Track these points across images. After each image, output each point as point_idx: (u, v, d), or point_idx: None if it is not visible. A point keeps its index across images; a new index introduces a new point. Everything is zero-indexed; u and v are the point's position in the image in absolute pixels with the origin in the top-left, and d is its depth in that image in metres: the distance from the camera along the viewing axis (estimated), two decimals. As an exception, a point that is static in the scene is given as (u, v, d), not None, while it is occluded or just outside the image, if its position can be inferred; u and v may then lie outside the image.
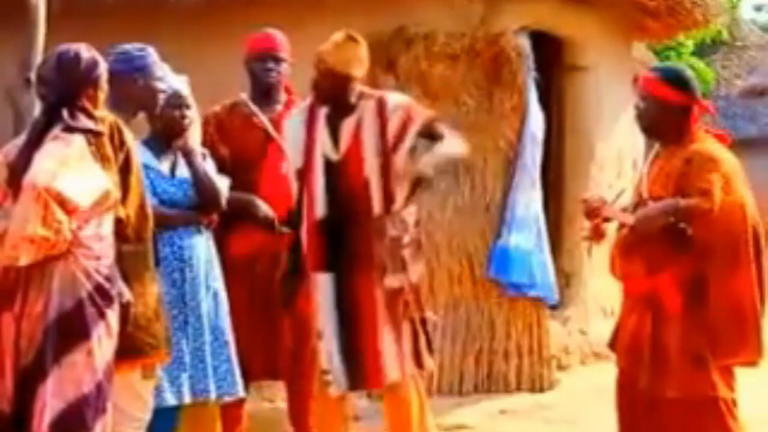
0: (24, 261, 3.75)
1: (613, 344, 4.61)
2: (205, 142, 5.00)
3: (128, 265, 4.01)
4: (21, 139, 4.03)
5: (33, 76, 4.69)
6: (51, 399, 3.76)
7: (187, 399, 4.63)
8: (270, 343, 4.98)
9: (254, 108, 5.16)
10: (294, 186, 4.71)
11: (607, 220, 4.54)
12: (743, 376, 4.36)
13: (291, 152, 4.71)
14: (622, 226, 4.42)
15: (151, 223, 4.13)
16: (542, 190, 7.48)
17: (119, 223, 3.97)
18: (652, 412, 4.27)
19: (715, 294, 4.18)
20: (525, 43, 7.34)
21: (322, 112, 4.63)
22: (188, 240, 4.69)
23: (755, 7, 25.56)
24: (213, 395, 4.67)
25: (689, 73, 4.54)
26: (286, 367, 5.02)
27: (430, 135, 4.61)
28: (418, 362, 4.57)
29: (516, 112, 7.28)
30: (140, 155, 4.44)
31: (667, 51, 15.92)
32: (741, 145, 5.53)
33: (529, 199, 7.23)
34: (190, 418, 4.70)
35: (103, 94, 4.02)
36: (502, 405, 6.91)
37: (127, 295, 3.96)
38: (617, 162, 8.73)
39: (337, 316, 4.54)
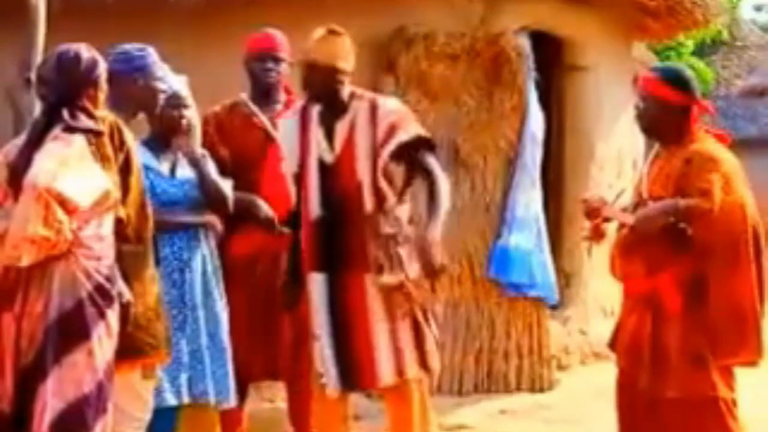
0: (25, 261, 3.75)
1: (613, 344, 4.61)
2: (205, 143, 5.00)
3: (128, 265, 4.01)
4: (21, 139, 4.03)
5: (33, 76, 4.69)
6: (51, 399, 3.76)
7: (186, 399, 4.62)
8: (270, 343, 4.98)
9: (254, 108, 5.16)
10: (292, 187, 4.71)
11: (607, 220, 4.54)
12: (743, 376, 4.36)
13: (287, 155, 4.71)
14: (622, 226, 4.42)
15: (151, 224, 4.14)
16: (542, 190, 7.48)
17: (119, 223, 3.97)
18: (652, 412, 4.27)
19: (715, 294, 4.18)
20: (525, 43, 7.34)
21: (315, 112, 4.63)
22: (189, 241, 4.69)
23: (755, 7, 25.57)
24: (212, 398, 4.67)
25: (689, 73, 4.54)
26: (286, 367, 5.02)
27: (415, 159, 4.58)
28: (424, 364, 4.56)
29: (516, 112, 7.29)
30: (140, 155, 4.44)
31: (667, 51, 15.92)
32: (741, 146, 5.52)
33: (529, 199, 7.24)
34: (189, 420, 4.70)
35: (103, 94, 4.02)
36: (502, 405, 6.92)
37: (127, 295, 3.96)
38: (617, 162, 8.73)
39: (330, 316, 4.54)
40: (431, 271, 4.42)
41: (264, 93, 5.19)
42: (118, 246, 3.97)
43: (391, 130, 4.53)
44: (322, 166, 4.59)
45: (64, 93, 3.92)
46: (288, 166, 4.71)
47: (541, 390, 7.32)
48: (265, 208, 4.99)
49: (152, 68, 4.43)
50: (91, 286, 3.84)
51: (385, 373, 4.51)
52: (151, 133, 4.76)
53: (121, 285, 3.94)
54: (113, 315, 3.90)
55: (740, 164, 4.33)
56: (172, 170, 4.74)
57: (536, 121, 7.33)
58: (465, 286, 7.19)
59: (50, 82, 3.96)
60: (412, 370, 4.52)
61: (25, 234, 3.70)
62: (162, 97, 4.49)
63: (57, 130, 3.86)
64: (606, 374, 4.64)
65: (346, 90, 4.60)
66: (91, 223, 3.86)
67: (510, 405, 6.93)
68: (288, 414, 5.25)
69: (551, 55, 8.09)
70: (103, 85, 4.02)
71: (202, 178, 4.72)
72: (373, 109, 4.58)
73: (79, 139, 3.86)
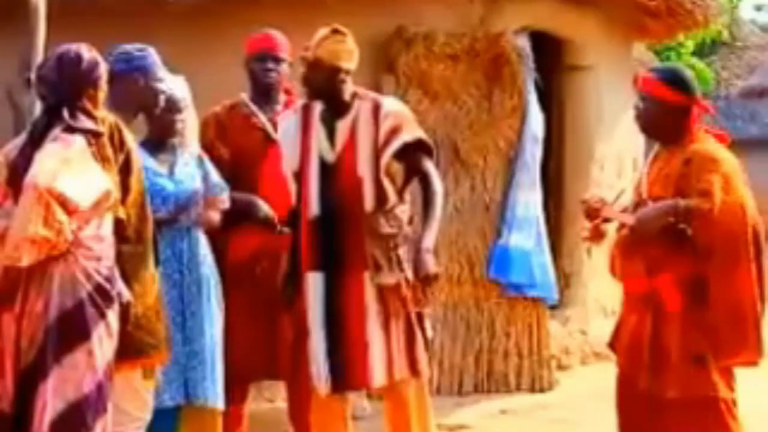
0: (25, 261, 3.75)
1: (613, 344, 4.61)
2: (205, 143, 5.01)
3: (128, 266, 4.01)
4: (21, 139, 4.03)
5: (33, 76, 4.69)
6: (51, 398, 3.76)
7: (183, 400, 4.62)
8: (270, 343, 4.98)
9: (254, 108, 5.16)
10: (293, 186, 4.71)
11: (607, 220, 4.54)
12: (743, 375, 4.36)
13: (287, 153, 4.71)
14: (622, 226, 4.42)
15: (151, 224, 4.14)
16: (542, 190, 7.48)
17: (119, 224, 3.98)
18: (652, 413, 4.27)
19: (716, 294, 4.18)
20: (525, 44, 7.34)
21: (316, 111, 4.64)
22: (189, 242, 4.69)
23: (755, 7, 25.56)
24: (210, 399, 4.67)
25: (688, 73, 4.53)
26: (287, 367, 5.02)
27: (414, 161, 4.60)
28: (413, 368, 4.55)
29: (516, 112, 7.29)
30: (139, 156, 4.45)
31: (667, 51, 15.93)
32: (741, 146, 5.53)
33: (529, 199, 7.24)
34: (191, 421, 4.70)
35: (103, 94, 4.03)
36: (502, 405, 6.92)
37: (127, 296, 3.96)
38: (617, 162, 8.73)
39: (326, 315, 4.55)
40: (425, 279, 4.45)
41: (264, 93, 5.19)
42: (118, 246, 3.97)
43: (394, 131, 4.54)
44: (323, 165, 4.59)
45: (65, 93, 3.92)
46: (288, 165, 4.71)
47: (541, 390, 7.32)
48: (265, 208, 4.99)
49: (153, 68, 4.44)
50: (91, 286, 3.84)
51: (377, 375, 4.51)
52: (148, 133, 4.76)
53: (121, 285, 3.94)
54: (113, 315, 3.90)
55: (740, 164, 4.33)
56: (171, 170, 4.74)
57: (536, 121, 7.33)
58: (465, 286, 7.19)
59: (51, 82, 3.95)
60: (402, 373, 4.52)
61: (26, 234, 3.70)
62: (162, 97, 4.49)
63: (57, 131, 3.87)
64: (606, 374, 4.64)
65: (348, 89, 4.61)
66: (91, 223, 3.87)
67: (510, 405, 6.93)
68: (288, 414, 5.25)
69: (551, 56, 8.09)
70: (104, 85, 4.02)
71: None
72: (376, 109, 4.59)
73: (79, 140, 3.86)
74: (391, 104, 4.70)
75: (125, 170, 4.01)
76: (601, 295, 8.14)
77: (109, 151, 3.94)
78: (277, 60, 5.16)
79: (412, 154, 4.60)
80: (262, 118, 5.13)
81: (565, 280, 8.09)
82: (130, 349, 4.00)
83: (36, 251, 3.74)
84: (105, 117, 3.99)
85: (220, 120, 5.16)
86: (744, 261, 4.18)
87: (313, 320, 4.57)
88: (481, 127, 7.25)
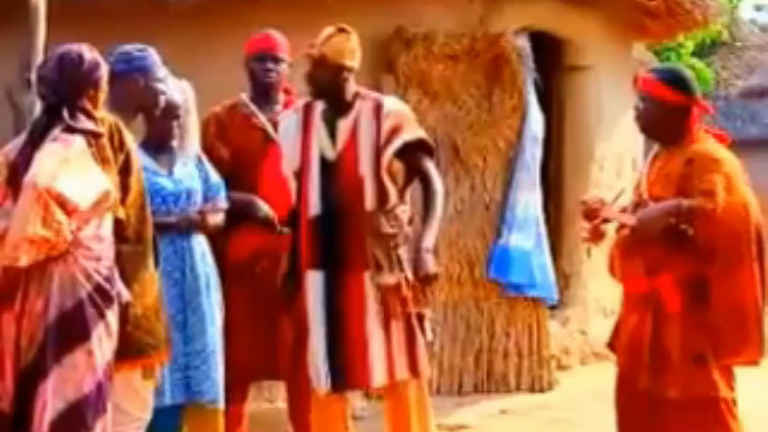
0: (24, 261, 3.75)
1: (612, 344, 4.61)
2: (205, 143, 5.01)
3: (128, 266, 4.01)
4: (21, 139, 4.03)
5: (33, 76, 4.69)
6: (51, 398, 3.76)
7: (185, 400, 4.62)
8: (270, 342, 4.98)
9: (254, 108, 5.16)
10: (293, 185, 4.71)
11: (606, 221, 4.54)
12: (742, 375, 4.36)
13: (287, 152, 4.71)
14: (621, 226, 4.42)
15: (150, 224, 4.14)
16: (542, 190, 7.48)
17: (119, 224, 3.98)
18: (652, 413, 4.27)
19: (718, 293, 4.18)
20: (525, 44, 7.35)
21: (318, 110, 4.64)
22: (189, 241, 4.70)
23: (755, 7, 25.54)
24: (212, 398, 4.67)
25: (688, 73, 4.54)
26: (287, 367, 5.02)
27: (414, 161, 4.61)
28: (413, 368, 4.54)
29: (516, 112, 7.29)
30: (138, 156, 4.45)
31: (666, 51, 15.93)
32: (741, 146, 5.52)
33: (528, 199, 7.25)
34: (193, 421, 4.70)
35: (103, 95, 4.03)
36: (502, 405, 6.92)
37: (127, 296, 3.96)
38: (617, 162, 8.73)
39: (326, 315, 4.55)
40: (424, 279, 4.45)
41: (263, 93, 5.19)
42: (118, 246, 3.97)
43: (395, 130, 4.55)
44: (324, 163, 4.60)
45: (65, 93, 3.92)
46: (288, 164, 4.71)
47: (541, 390, 7.32)
48: (265, 208, 4.99)
49: (153, 69, 4.44)
50: (91, 286, 3.84)
51: (377, 374, 4.51)
52: (147, 133, 4.76)
53: (120, 285, 3.94)
54: (113, 315, 3.90)
55: (740, 165, 4.33)
56: (170, 170, 4.75)
57: (536, 121, 7.33)
58: (465, 286, 7.19)
59: (51, 82, 3.95)
60: (402, 373, 4.52)
61: (25, 234, 3.70)
62: (163, 98, 4.49)
63: (57, 131, 3.86)
64: (606, 374, 4.64)
65: (351, 89, 4.62)
66: (91, 223, 3.86)
67: (510, 405, 6.93)
68: (288, 414, 5.25)
69: (551, 56, 8.09)
70: (104, 86, 4.02)
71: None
72: (377, 108, 4.60)
73: (79, 140, 3.86)
74: (392, 104, 4.71)
75: (125, 170, 4.01)
76: (600, 296, 8.14)
77: (108, 151, 3.94)
78: (277, 60, 5.16)
79: (412, 153, 4.60)
80: (262, 118, 5.13)
81: (564, 280, 8.09)
82: (129, 349, 4.00)
83: (35, 251, 3.74)
84: (104, 117, 3.99)
85: (220, 120, 5.17)
86: (747, 261, 4.18)
87: (313, 319, 4.57)
88: (481, 127, 7.26)
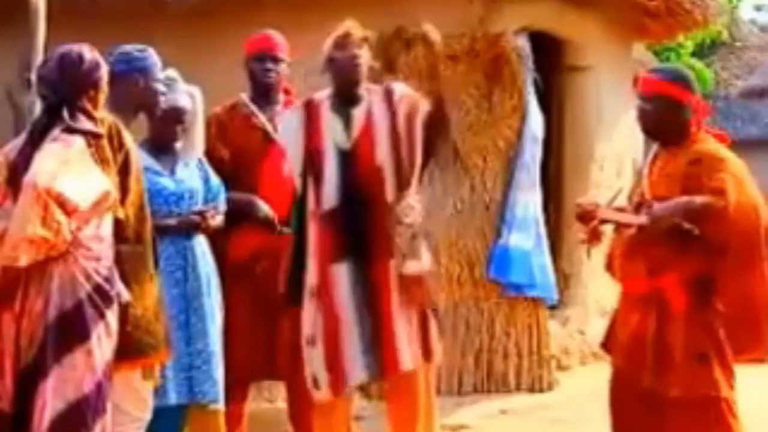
0: (24, 261, 3.75)
1: (606, 344, 4.62)
2: (206, 144, 5.01)
3: (127, 266, 4.01)
4: (21, 139, 4.03)
5: (33, 76, 4.69)
6: (51, 398, 3.76)
7: (187, 400, 4.63)
8: (270, 343, 4.98)
9: (254, 108, 5.16)
10: (298, 180, 4.68)
11: (605, 222, 4.53)
12: (742, 375, 4.37)
13: (290, 150, 4.70)
14: (620, 226, 4.42)
15: (150, 224, 4.14)
16: (542, 191, 7.49)
17: (118, 224, 3.98)
18: (653, 412, 4.28)
19: (729, 292, 4.20)
20: (525, 44, 7.35)
21: (324, 104, 4.63)
22: (191, 240, 4.70)
23: (755, 7, 25.55)
24: (213, 398, 4.67)
25: (690, 72, 4.55)
26: (286, 367, 5.02)
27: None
28: (427, 355, 4.58)
29: (516, 112, 7.29)
30: (139, 156, 4.45)
31: (666, 52, 15.93)
32: (741, 146, 5.53)
33: (528, 200, 7.25)
34: (195, 421, 4.70)
35: (103, 95, 4.03)
36: (502, 405, 6.92)
37: (126, 296, 3.96)
38: (617, 162, 8.73)
39: (356, 305, 4.52)
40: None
41: (263, 93, 5.19)
42: (118, 247, 3.97)
43: (414, 107, 4.59)
44: (340, 154, 4.58)
45: (65, 93, 3.92)
46: (292, 159, 4.68)
47: (541, 390, 7.32)
48: (265, 208, 5.00)
49: (153, 69, 4.44)
50: (91, 286, 3.84)
51: (406, 359, 4.52)
52: (150, 134, 4.76)
53: (120, 286, 3.94)
54: (112, 315, 3.90)
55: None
56: (172, 170, 4.75)
57: (536, 121, 7.33)
58: (465, 286, 7.19)
59: (51, 82, 3.95)
60: (418, 360, 4.55)
61: (24, 234, 3.70)
62: (162, 99, 4.50)
63: (57, 131, 3.86)
64: (605, 375, 4.64)
65: (364, 84, 4.65)
66: (91, 223, 3.87)
67: (509, 405, 6.93)
68: (288, 414, 5.25)
69: (551, 56, 8.09)
70: (104, 87, 4.02)
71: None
72: (388, 94, 4.62)
73: (78, 141, 3.86)
74: (402, 88, 4.73)
75: (124, 171, 4.01)
76: (600, 296, 8.14)
77: (108, 151, 3.94)
78: (277, 60, 5.17)
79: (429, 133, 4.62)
80: (262, 118, 5.13)
81: (564, 280, 8.09)
82: (129, 350, 4.00)
83: (34, 251, 3.74)
84: (104, 117, 3.99)
85: (221, 120, 5.17)
86: (758, 260, 4.20)
87: (346, 313, 4.53)
88: (480, 127, 7.26)
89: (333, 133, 4.60)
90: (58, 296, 3.80)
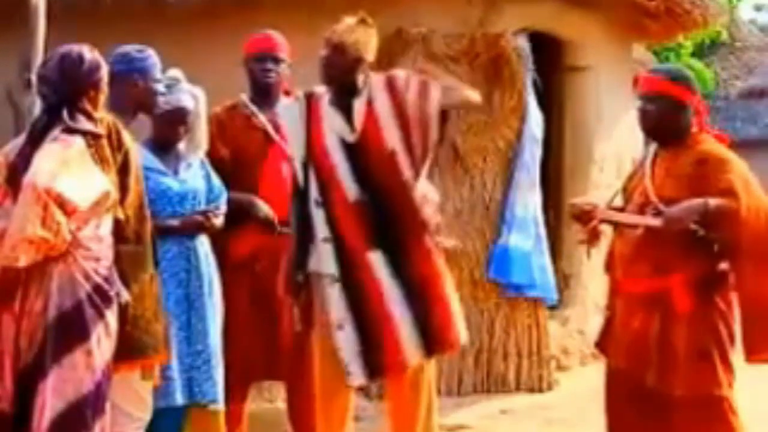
0: (23, 262, 3.76)
1: (601, 344, 4.63)
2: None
3: (127, 266, 4.02)
4: (20, 139, 4.03)
5: (33, 76, 4.70)
6: (51, 398, 3.77)
7: (187, 400, 4.63)
8: (270, 343, 4.99)
9: (254, 108, 5.16)
10: (299, 173, 4.65)
11: (605, 222, 4.53)
12: (742, 375, 4.38)
13: (294, 140, 4.66)
14: (627, 227, 4.41)
15: (149, 224, 4.14)
16: (542, 191, 7.49)
17: (118, 224, 3.98)
18: (657, 412, 4.28)
19: (745, 292, 4.22)
20: (524, 44, 7.35)
21: (324, 98, 4.62)
22: (194, 241, 4.70)
23: (755, 7, 25.56)
24: (213, 399, 4.67)
25: (690, 72, 4.56)
26: (287, 367, 5.03)
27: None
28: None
29: (515, 112, 7.29)
30: (142, 156, 4.46)
31: (666, 52, 15.92)
32: (741, 147, 5.52)
33: (528, 200, 7.25)
34: (196, 421, 4.71)
35: (103, 96, 4.03)
36: (502, 405, 6.92)
37: (126, 296, 3.97)
38: (617, 162, 8.73)
39: (402, 290, 4.49)
40: None
41: (263, 94, 5.19)
42: (117, 247, 3.98)
43: (424, 83, 4.55)
44: (346, 147, 4.56)
45: (65, 94, 3.93)
46: (294, 151, 4.67)
47: (541, 390, 7.32)
48: (265, 209, 5.00)
49: (152, 70, 4.45)
50: (90, 286, 3.84)
51: (456, 335, 4.59)
52: (153, 134, 4.76)
53: (119, 286, 3.95)
54: (112, 315, 3.90)
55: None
56: (175, 170, 4.75)
57: (536, 121, 7.34)
58: (464, 286, 7.18)
59: (51, 83, 3.96)
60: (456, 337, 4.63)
61: (24, 234, 3.71)
62: (161, 99, 4.50)
63: (56, 131, 3.87)
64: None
65: (362, 80, 4.60)
66: (90, 224, 3.87)
67: (509, 405, 6.93)
68: (288, 414, 5.25)
69: (550, 56, 8.09)
70: (104, 87, 4.03)
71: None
72: (390, 80, 4.59)
73: (78, 141, 3.86)
74: (404, 73, 4.69)
75: (124, 171, 4.02)
76: (600, 296, 8.11)
77: (107, 151, 3.95)
78: (277, 60, 5.17)
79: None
80: (262, 119, 5.14)
81: (564, 280, 8.09)
82: (128, 350, 4.01)
83: (34, 252, 3.74)
84: (103, 117, 4.00)
85: (221, 121, 5.17)
86: None
87: (391, 297, 4.49)
88: (480, 127, 7.25)
89: (335, 128, 4.57)
90: (58, 296, 3.81)
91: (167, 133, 4.71)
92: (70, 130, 3.87)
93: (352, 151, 4.54)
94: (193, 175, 4.77)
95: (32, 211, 3.70)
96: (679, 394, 4.23)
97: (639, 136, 5.82)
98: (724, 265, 4.29)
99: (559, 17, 7.83)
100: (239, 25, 6.00)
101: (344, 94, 4.58)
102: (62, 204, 3.74)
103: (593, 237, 4.58)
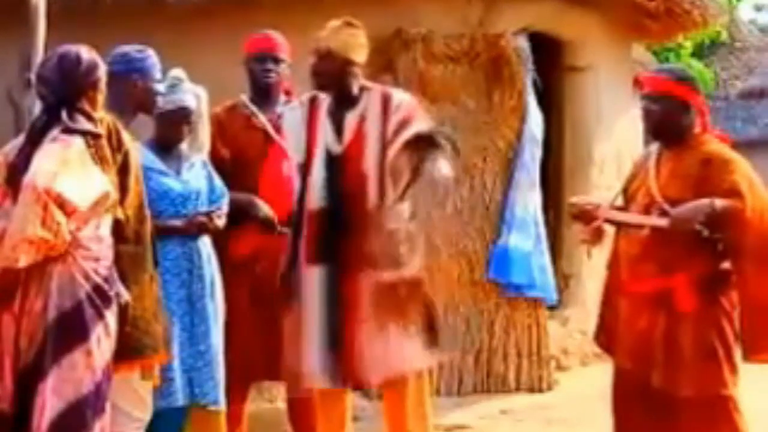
0: (23, 262, 3.75)
1: (599, 338, 4.64)
2: (207, 144, 5.02)
3: (127, 266, 4.02)
4: (20, 140, 4.03)
5: (33, 76, 4.70)
6: (51, 398, 3.77)
7: (188, 401, 4.62)
8: (270, 343, 4.97)
9: (254, 109, 5.16)
10: (297, 178, 4.67)
11: (608, 222, 4.53)
12: (743, 374, 4.38)
13: (293, 144, 4.68)
14: (632, 227, 4.41)
15: (149, 224, 4.14)
16: (541, 191, 7.49)
17: (118, 224, 3.98)
18: (663, 412, 4.29)
19: (748, 292, 4.23)
20: (524, 44, 7.35)
21: (324, 105, 4.62)
22: (197, 242, 4.70)
23: (755, 7, 25.55)
24: (215, 400, 4.67)
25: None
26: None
27: (422, 152, 4.54)
28: (407, 367, 4.50)
29: (515, 112, 7.30)
30: (144, 156, 4.46)
31: (666, 52, 15.91)
32: (740, 147, 5.52)
33: (528, 200, 7.25)
34: (197, 422, 4.70)
35: (102, 96, 4.03)
36: (502, 405, 6.92)
37: (126, 296, 3.96)
38: (616, 162, 8.73)
39: (326, 310, 4.50)
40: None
41: (263, 94, 5.19)
42: (117, 247, 3.97)
43: (405, 122, 4.49)
44: (330, 158, 4.56)
45: (64, 94, 3.92)
46: (294, 156, 4.68)
47: (541, 391, 7.33)
48: (265, 209, 5.00)
49: (151, 70, 4.45)
50: (90, 287, 3.84)
51: (374, 373, 4.47)
52: (155, 134, 4.76)
53: (119, 286, 3.94)
54: (111, 316, 3.90)
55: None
56: (177, 170, 4.75)
57: (536, 122, 7.34)
58: (464, 286, 7.19)
59: (50, 83, 3.96)
60: (396, 370, 4.47)
61: (24, 235, 3.70)
62: (160, 100, 4.50)
63: (55, 132, 3.87)
64: (605, 375, 4.64)
65: (357, 82, 4.59)
66: (90, 224, 3.87)
67: (509, 405, 6.93)
68: (288, 414, 5.25)
69: (550, 56, 8.10)
70: (103, 87, 4.03)
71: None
72: (385, 101, 4.56)
73: (78, 141, 3.86)
74: (401, 95, 4.66)
75: (123, 171, 4.01)
76: (600, 296, 8.14)
77: (107, 151, 3.95)
78: (277, 61, 5.17)
79: (421, 146, 4.51)
80: (262, 119, 5.13)
81: (564, 280, 8.10)
82: (128, 350, 4.01)
83: (34, 252, 3.74)
84: (103, 117, 4.00)
85: (221, 121, 5.16)
86: None
87: (310, 315, 4.53)
88: (480, 127, 7.26)
89: (325, 137, 4.58)
90: (58, 296, 3.81)
91: (170, 132, 4.70)
92: (69, 130, 3.87)
93: (333, 162, 4.55)
94: (196, 175, 4.77)
95: (32, 212, 3.70)
96: (686, 394, 4.23)
97: (638, 136, 5.83)
98: (727, 265, 4.29)
99: (559, 17, 7.84)
100: (239, 25, 6.00)
101: (340, 103, 4.58)
102: (62, 204, 3.74)
103: (596, 237, 4.58)
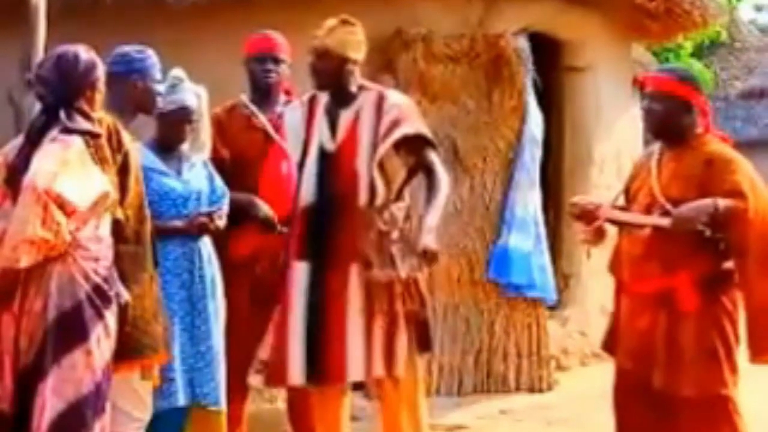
0: (23, 262, 3.75)
1: (608, 345, 4.62)
2: (206, 144, 5.01)
3: (127, 266, 4.01)
4: (19, 140, 4.03)
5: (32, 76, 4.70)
6: (51, 398, 3.76)
7: (189, 401, 4.62)
8: (270, 343, 4.98)
9: (254, 109, 5.16)
10: (298, 177, 4.67)
11: (610, 221, 4.53)
12: (743, 375, 4.38)
13: (292, 144, 4.68)
14: (634, 227, 4.41)
15: (149, 225, 4.14)
16: (541, 191, 7.49)
17: (118, 225, 3.98)
18: (664, 412, 4.29)
19: (751, 292, 4.23)
20: (524, 44, 7.36)
21: (322, 103, 4.63)
22: (198, 242, 4.70)
23: (755, 7, 25.56)
24: (215, 400, 4.67)
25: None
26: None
27: (417, 155, 4.55)
28: (389, 368, 4.43)
29: (515, 112, 7.30)
30: (145, 157, 4.46)
31: (665, 52, 15.91)
32: (740, 147, 5.52)
33: (528, 200, 7.25)
34: (197, 422, 4.70)
35: (100, 96, 4.03)
36: (502, 405, 6.93)
37: (125, 296, 3.96)
38: (616, 162, 8.74)
39: (307, 306, 4.48)
40: (423, 254, 4.32)
41: (263, 94, 5.19)
42: (117, 247, 3.97)
43: (395, 123, 4.49)
44: (323, 155, 4.56)
45: (62, 94, 3.92)
46: (294, 155, 4.68)
47: (540, 391, 7.33)
48: (265, 208, 5.00)
49: (151, 70, 4.45)
50: (90, 287, 3.84)
51: (353, 370, 4.42)
52: (157, 134, 4.76)
53: (119, 286, 3.94)
54: (111, 316, 3.90)
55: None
56: (179, 171, 4.74)
57: (535, 122, 7.34)
58: (464, 286, 7.20)
59: (48, 83, 3.96)
60: (379, 370, 4.43)
61: (24, 235, 3.70)
62: (160, 100, 4.50)
63: (55, 132, 3.87)
64: (605, 375, 4.65)
65: (355, 81, 4.59)
66: (90, 224, 3.87)
67: (509, 406, 6.94)
68: (287, 414, 5.25)
69: (550, 56, 8.10)
70: (101, 87, 4.02)
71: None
72: (380, 101, 4.56)
73: (77, 141, 3.86)
74: (396, 97, 4.66)
75: (123, 171, 4.02)
76: (600, 296, 8.13)
77: (107, 151, 3.95)
78: (277, 61, 5.16)
79: (415, 147, 4.53)
80: (262, 119, 5.13)
81: (564, 280, 8.10)
82: (127, 350, 4.01)
83: (34, 252, 3.74)
84: (102, 117, 4.00)
85: (221, 121, 5.16)
86: None
87: (293, 311, 4.50)
88: (480, 127, 7.27)
89: (320, 134, 4.58)
90: (58, 297, 3.81)
91: (172, 132, 4.70)
92: (68, 131, 3.86)
93: (326, 160, 4.54)
94: (196, 176, 4.77)
95: (32, 212, 3.70)
96: (687, 395, 4.23)
97: (638, 136, 5.83)
98: (729, 264, 4.30)
99: (558, 17, 7.84)
100: (239, 25, 6.00)
101: (337, 101, 4.58)
102: (62, 204, 3.74)
103: (597, 237, 4.58)
